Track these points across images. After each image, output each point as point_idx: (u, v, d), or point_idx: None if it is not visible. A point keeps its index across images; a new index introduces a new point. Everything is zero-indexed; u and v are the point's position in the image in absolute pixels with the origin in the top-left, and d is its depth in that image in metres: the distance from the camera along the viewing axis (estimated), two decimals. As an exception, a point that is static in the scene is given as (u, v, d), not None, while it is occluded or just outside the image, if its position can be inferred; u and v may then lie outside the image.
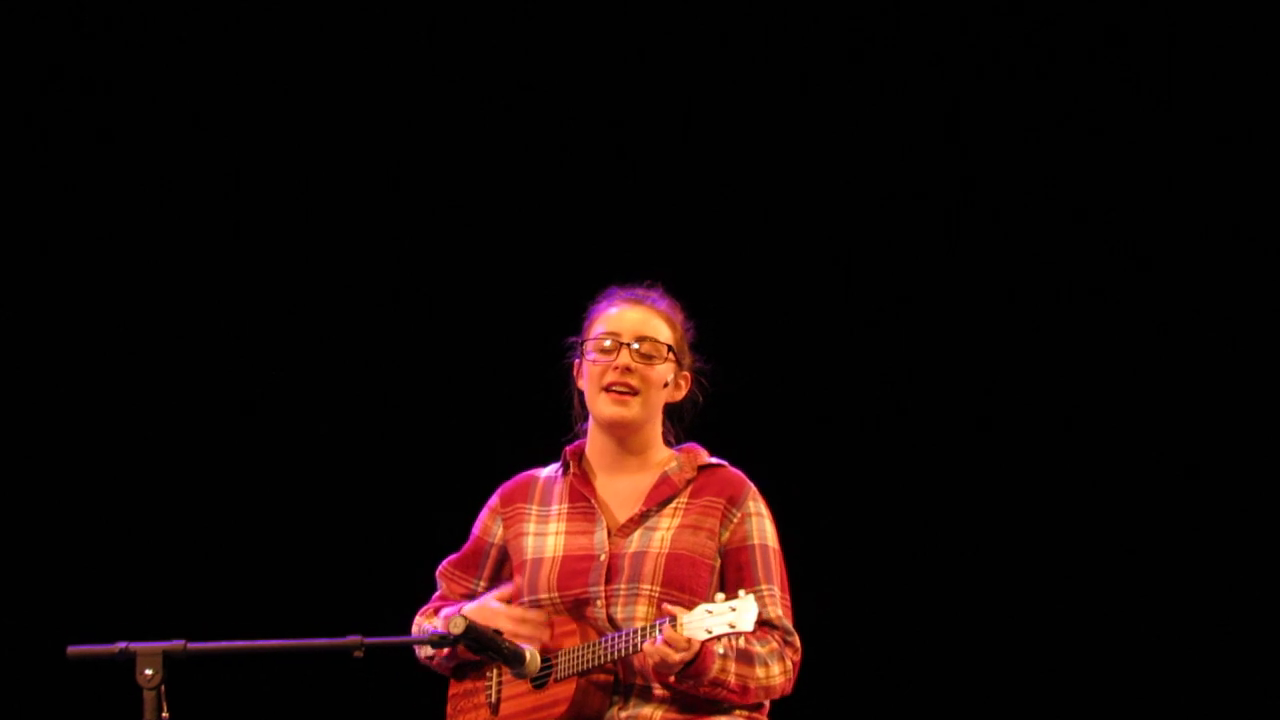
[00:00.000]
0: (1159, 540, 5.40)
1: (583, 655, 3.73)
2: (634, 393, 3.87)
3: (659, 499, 3.88)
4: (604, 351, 3.89)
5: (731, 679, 3.66)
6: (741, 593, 3.51)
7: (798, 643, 3.82)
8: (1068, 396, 5.51)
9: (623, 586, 3.78)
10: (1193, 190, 5.44)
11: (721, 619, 3.49)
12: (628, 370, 3.86)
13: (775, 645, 3.75)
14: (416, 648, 3.92)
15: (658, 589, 3.77)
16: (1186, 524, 5.38)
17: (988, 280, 5.58)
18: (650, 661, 3.60)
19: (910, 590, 5.52)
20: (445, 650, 3.85)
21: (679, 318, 3.98)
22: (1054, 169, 5.54)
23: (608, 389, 3.87)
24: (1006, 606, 5.47)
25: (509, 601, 3.87)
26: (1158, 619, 5.39)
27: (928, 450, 5.57)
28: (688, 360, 3.98)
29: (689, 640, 3.52)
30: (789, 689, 3.81)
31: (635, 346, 3.88)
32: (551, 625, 3.82)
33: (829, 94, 5.65)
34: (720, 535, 3.84)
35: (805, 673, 5.20)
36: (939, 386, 5.58)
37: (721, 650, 3.62)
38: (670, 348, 3.91)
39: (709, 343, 4.02)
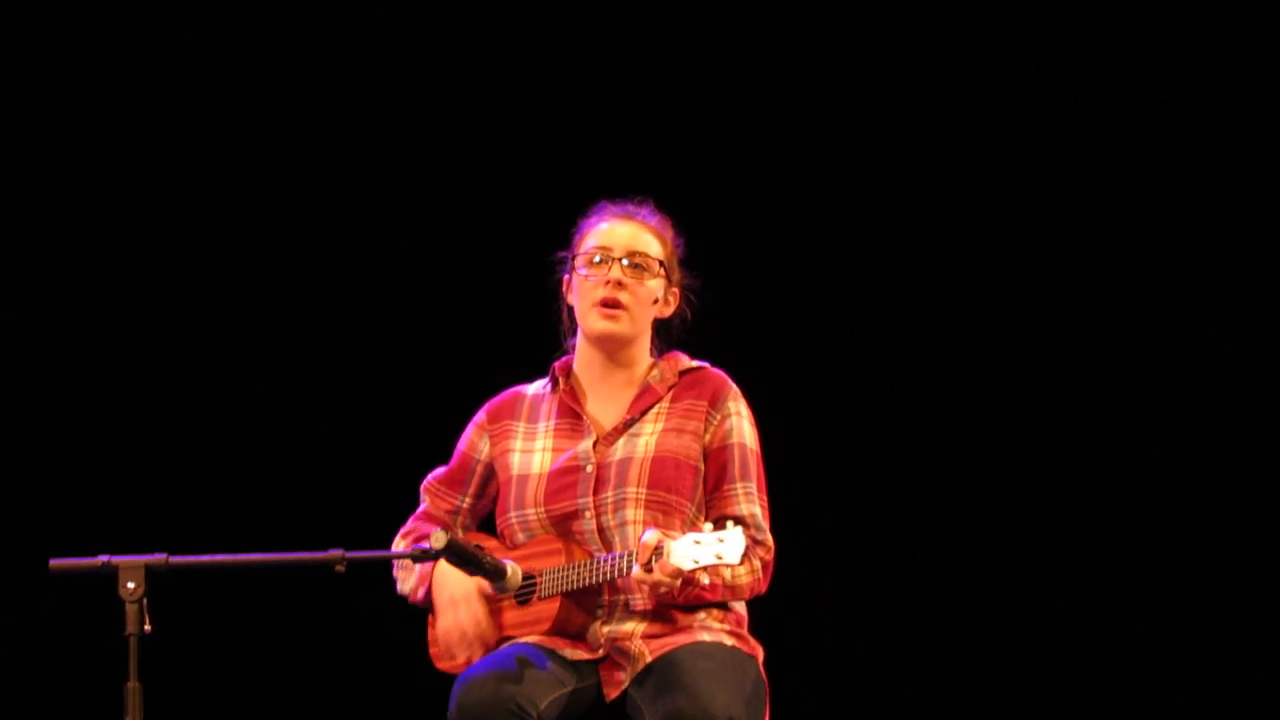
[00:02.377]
0: (1158, 538, 5.36)
1: (567, 575, 3.73)
2: (624, 308, 3.85)
3: (642, 406, 3.89)
4: (595, 266, 3.88)
5: (703, 578, 3.68)
6: (729, 524, 3.52)
7: (770, 542, 3.83)
8: (1070, 386, 5.47)
9: (610, 494, 3.79)
10: (1193, 189, 5.39)
11: (708, 549, 3.49)
12: (619, 285, 3.85)
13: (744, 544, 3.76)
14: (397, 583, 3.93)
15: (644, 491, 3.78)
16: (1185, 524, 5.34)
17: (986, 264, 5.54)
18: (633, 585, 3.62)
19: (909, 586, 5.49)
20: (425, 590, 3.85)
21: (669, 233, 3.97)
22: (1061, 151, 5.49)
23: (599, 304, 3.85)
24: (1005, 603, 5.42)
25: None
26: (1156, 618, 5.35)
27: (927, 446, 5.52)
28: (677, 276, 3.98)
29: (676, 570, 3.52)
30: (760, 589, 3.82)
31: (626, 262, 3.86)
32: (536, 543, 3.82)
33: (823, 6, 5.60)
34: (704, 437, 3.84)
35: (801, 669, 5.24)
36: (938, 379, 5.53)
37: None
38: (661, 263, 3.90)
39: (700, 263, 4.01)
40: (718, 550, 3.48)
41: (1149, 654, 5.36)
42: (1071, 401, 5.47)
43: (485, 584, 3.77)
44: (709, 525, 3.52)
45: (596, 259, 3.87)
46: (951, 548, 5.49)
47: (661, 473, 3.80)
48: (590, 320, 3.87)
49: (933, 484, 5.51)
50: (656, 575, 3.54)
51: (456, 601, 3.80)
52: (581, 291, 3.89)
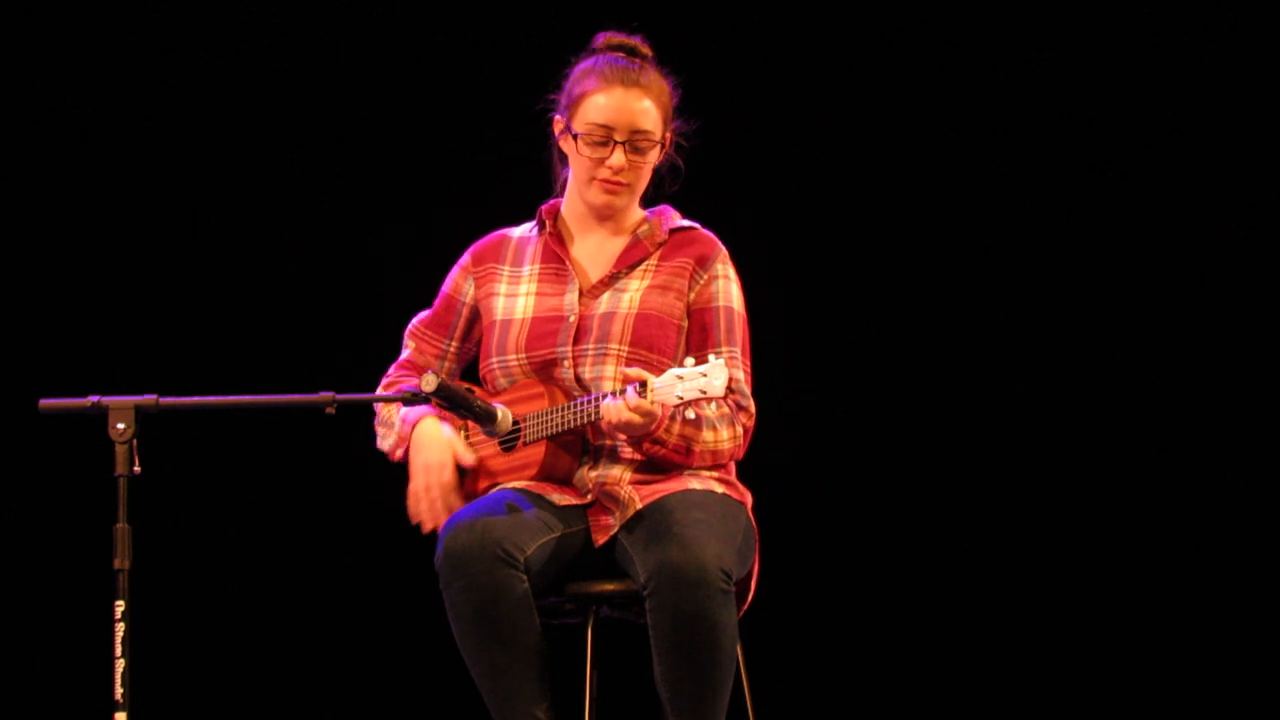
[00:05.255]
0: (1157, 533, 5.34)
1: (551, 418, 3.74)
2: (626, 185, 3.84)
3: (629, 261, 3.88)
4: (596, 144, 3.83)
5: (673, 439, 3.69)
6: (711, 356, 3.51)
7: (752, 408, 3.84)
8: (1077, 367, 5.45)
9: (591, 347, 3.80)
10: (1194, 188, 5.34)
11: (692, 384, 3.49)
12: (621, 169, 3.82)
13: (727, 409, 3.77)
14: (379, 440, 3.94)
15: (626, 349, 3.79)
16: (1185, 523, 5.32)
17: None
18: (611, 419, 3.60)
19: (904, 577, 5.50)
20: (404, 451, 3.86)
21: (667, 85, 3.90)
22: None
23: (600, 181, 3.84)
24: (1004, 597, 5.42)
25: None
26: (1153, 604, 5.33)
27: (929, 316, 5.50)
28: (671, 125, 3.92)
29: (659, 405, 3.53)
30: (739, 454, 3.84)
31: (628, 145, 3.81)
32: (518, 387, 3.83)
33: None
34: (688, 296, 3.85)
35: (798, 663, 5.25)
36: (946, 237, 5.51)
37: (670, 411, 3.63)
38: (661, 137, 3.86)
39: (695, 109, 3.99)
40: (701, 384, 3.48)
41: (1143, 638, 5.34)
42: (1092, 334, 5.44)
43: (463, 454, 3.79)
44: (690, 359, 3.52)
45: (598, 137, 3.82)
46: (948, 414, 5.49)
47: (645, 329, 3.80)
48: (590, 193, 3.86)
49: (932, 354, 5.49)
50: (635, 408, 3.54)
51: (430, 468, 3.79)
52: (581, 165, 3.85)
